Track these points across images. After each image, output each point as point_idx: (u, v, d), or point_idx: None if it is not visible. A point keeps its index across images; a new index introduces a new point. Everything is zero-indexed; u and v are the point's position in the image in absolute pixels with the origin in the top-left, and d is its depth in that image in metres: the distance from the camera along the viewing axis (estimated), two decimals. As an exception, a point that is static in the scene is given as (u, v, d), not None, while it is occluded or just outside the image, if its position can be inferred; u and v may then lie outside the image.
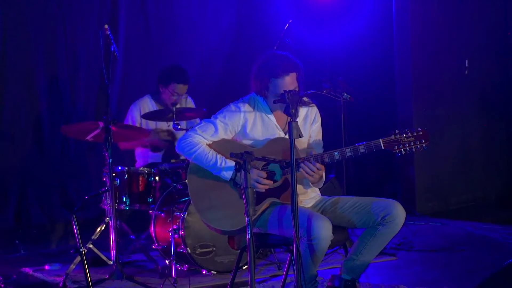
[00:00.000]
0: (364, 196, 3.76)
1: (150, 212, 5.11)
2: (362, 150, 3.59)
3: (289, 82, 3.63)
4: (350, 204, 3.73)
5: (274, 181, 3.68)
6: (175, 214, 4.79)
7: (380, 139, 3.58)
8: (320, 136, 3.91)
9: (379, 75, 7.46)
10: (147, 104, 5.63)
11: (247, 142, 3.78)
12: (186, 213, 4.73)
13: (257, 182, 3.61)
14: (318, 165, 3.59)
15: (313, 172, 3.57)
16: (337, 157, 3.61)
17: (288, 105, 3.35)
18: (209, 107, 5.21)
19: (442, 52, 7.26)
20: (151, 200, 5.14)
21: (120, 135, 4.86)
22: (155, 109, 5.57)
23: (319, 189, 3.89)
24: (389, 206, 3.62)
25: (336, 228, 3.57)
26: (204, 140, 3.74)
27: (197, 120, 5.47)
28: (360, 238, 3.72)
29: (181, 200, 4.86)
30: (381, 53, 7.44)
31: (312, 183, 3.70)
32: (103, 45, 4.58)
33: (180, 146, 3.76)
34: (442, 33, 7.25)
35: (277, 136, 3.78)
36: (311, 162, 3.57)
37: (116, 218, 4.69)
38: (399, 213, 3.61)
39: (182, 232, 4.71)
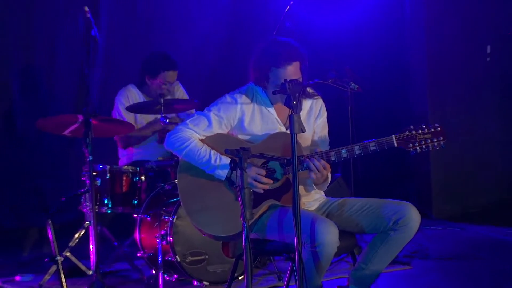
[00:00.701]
0: (374, 198, 3.78)
1: (135, 215, 5.11)
2: (372, 148, 3.60)
3: (292, 72, 3.65)
4: (359, 207, 3.75)
5: (274, 181, 3.70)
6: (163, 218, 4.80)
7: (393, 136, 3.60)
8: (326, 132, 3.94)
9: (390, 63, 7.46)
10: (134, 95, 5.63)
11: (244, 137, 3.80)
12: (175, 216, 4.73)
13: (255, 180, 3.62)
14: (323, 162, 3.59)
15: (318, 170, 3.57)
16: (344, 155, 3.63)
17: (289, 96, 3.35)
18: (202, 98, 5.20)
19: (461, 37, 7.25)
20: (136, 202, 5.15)
21: (102, 129, 4.84)
22: (142, 100, 5.58)
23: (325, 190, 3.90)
24: (402, 209, 3.63)
25: (343, 234, 3.58)
26: (196, 134, 3.75)
27: (193, 111, 5.46)
28: (369, 244, 3.73)
29: (170, 202, 4.87)
30: (393, 38, 7.43)
31: (315, 184, 3.73)
32: (83, 29, 4.58)
33: (169, 141, 3.77)
34: (460, 16, 7.24)
35: (277, 131, 3.79)
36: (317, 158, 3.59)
37: (97, 222, 4.68)
38: (413, 216, 3.62)
39: (171, 238, 4.72)
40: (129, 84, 5.67)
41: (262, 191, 3.64)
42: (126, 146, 5.67)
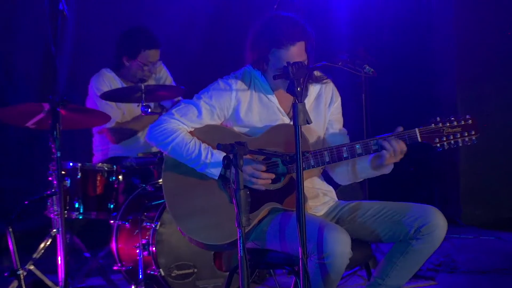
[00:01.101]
0: (392, 201, 3.81)
1: (111, 222, 5.13)
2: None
3: (296, 53, 3.66)
4: (374, 211, 3.77)
5: (276, 182, 3.71)
6: (144, 224, 4.82)
7: (416, 129, 3.62)
8: (341, 120, 3.97)
9: (412, 43, 7.48)
10: (111, 80, 5.66)
11: (240, 129, 3.82)
12: (159, 223, 4.74)
13: (253, 176, 3.63)
14: (402, 144, 3.60)
15: (395, 152, 3.60)
16: (358, 151, 3.65)
17: (292, 81, 3.34)
18: (189, 85, 5.21)
19: (493, 11, 7.25)
20: (112, 206, 5.17)
21: (72, 121, 4.84)
22: (121, 85, 5.61)
23: (336, 187, 3.96)
24: (426, 214, 3.64)
25: (356, 243, 3.58)
26: (184, 126, 3.77)
27: (179, 98, 5.48)
28: (387, 256, 3.75)
29: (153, 205, 4.90)
30: (416, 13, 7.45)
31: (379, 168, 3.73)
32: (48, 2, 4.57)
33: (152, 134, 3.79)
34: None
35: (280, 122, 3.81)
36: (328, 158, 3.63)
37: (66, 230, 4.66)
38: (438, 222, 3.63)
39: (153, 248, 4.73)
40: (103, 68, 5.69)
41: (263, 188, 3.66)
42: (120, 139, 5.68)
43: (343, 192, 4.50)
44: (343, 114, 4.04)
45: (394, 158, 3.63)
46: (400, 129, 3.66)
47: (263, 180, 3.64)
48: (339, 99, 3.97)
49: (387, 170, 3.77)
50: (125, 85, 5.60)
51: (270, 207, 3.72)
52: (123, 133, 5.64)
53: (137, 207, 4.99)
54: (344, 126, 4.00)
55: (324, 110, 3.91)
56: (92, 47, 6.46)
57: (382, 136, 3.63)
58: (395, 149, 3.60)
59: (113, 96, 5.38)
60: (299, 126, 3.30)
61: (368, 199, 5.33)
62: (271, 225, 3.69)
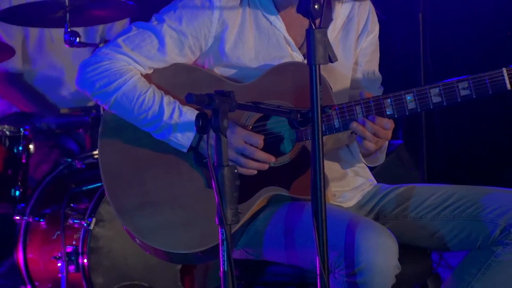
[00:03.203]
0: (464, 185, 3.87)
1: (16, 218, 5.18)
2: (464, 92, 3.68)
3: None
4: (437, 201, 3.84)
5: (280, 155, 3.77)
6: (70, 222, 4.91)
7: (504, 69, 3.66)
8: (377, 61, 4.08)
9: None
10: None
11: (225, 71, 3.88)
12: (93, 219, 4.80)
13: (243, 154, 3.70)
14: (385, 120, 3.67)
15: (372, 133, 3.66)
16: (411, 106, 3.71)
17: (306, -4, 3.37)
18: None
19: None
20: (18, 193, 5.21)
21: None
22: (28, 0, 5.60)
23: (371, 169, 4.03)
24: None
25: (407, 252, 3.64)
26: (136, 66, 3.82)
27: (126, 21, 5.51)
28: (456, 271, 3.80)
29: (83, 191, 4.98)
30: None
31: (364, 156, 3.83)
32: None
33: (85, 77, 3.84)
34: None
35: (287, 59, 3.86)
36: (362, 115, 3.67)
37: None
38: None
39: (85, 261, 4.80)
40: None
41: (255, 173, 3.73)
42: (29, 88, 5.74)
43: (385, 171, 4.68)
44: (388, 52, 4.22)
45: (370, 141, 3.70)
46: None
47: (258, 164, 3.71)
48: (377, 27, 4.06)
49: (373, 160, 3.90)
50: None
51: (269, 194, 3.77)
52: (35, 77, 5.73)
53: (58, 194, 5.04)
54: (386, 69, 4.15)
55: (355, 41, 4.00)
56: None
57: (452, 80, 3.68)
58: (372, 129, 3.66)
59: (17, 15, 5.39)
60: (317, 66, 3.30)
61: (427, 181, 5.37)
62: (272, 222, 3.75)
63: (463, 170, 5.99)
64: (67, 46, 5.28)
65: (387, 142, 3.85)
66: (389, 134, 3.72)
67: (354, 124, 3.66)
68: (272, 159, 3.73)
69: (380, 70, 4.11)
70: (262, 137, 3.74)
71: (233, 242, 3.41)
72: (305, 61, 3.49)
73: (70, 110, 5.42)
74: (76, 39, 5.24)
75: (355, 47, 3.99)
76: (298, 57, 3.88)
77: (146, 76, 3.82)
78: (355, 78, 4.01)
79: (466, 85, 3.66)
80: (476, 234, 3.72)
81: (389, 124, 3.69)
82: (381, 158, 3.89)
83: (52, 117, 5.28)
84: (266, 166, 3.73)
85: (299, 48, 3.90)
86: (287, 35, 3.88)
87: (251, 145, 3.70)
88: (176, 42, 3.81)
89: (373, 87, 3.98)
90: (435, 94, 3.68)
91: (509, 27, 7.27)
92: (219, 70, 3.87)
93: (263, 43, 3.87)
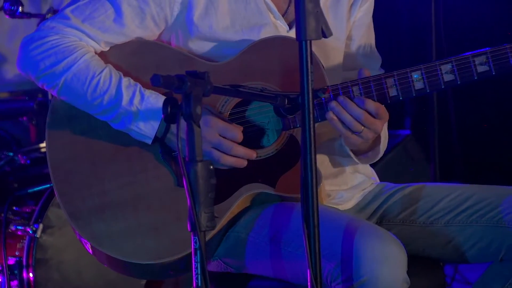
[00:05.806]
0: (482, 185, 3.82)
1: None
2: (481, 68, 3.53)
3: None
4: (451, 204, 3.73)
5: (261, 147, 3.69)
6: (12, 229, 4.89)
7: (507, 45, 3.55)
8: (373, 36, 4.02)
9: None
10: None
11: (195, 47, 3.75)
12: (40, 226, 4.71)
13: (218, 149, 3.58)
14: (371, 103, 3.48)
15: (358, 121, 3.49)
16: (418, 85, 3.56)
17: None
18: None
19: None
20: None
21: None
22: None
23: (373, 165, 3.96)
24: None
25: (416, 262, 3.53)
26: (88, 42, 3.68)
27: None
28: (476, 287, 3.69)
29: (28, 193, 4.88)
30: None
31: (354, 153, 3.74)
32: None
33: (29, 56, 3.67)
34: None
35: (269, 28, 3.74)
36: (352, 97, 3.54)
37: None
38: None
39: (30, 275, 4.74)
40: None
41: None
42: None
43: (390, 167, 4.42)
44: (384, 34, 4.13)
45: (352, 128, 3.56)
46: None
47: (235, 159, 3.57)
48: None
49: (366, 159, 3.80)
50: None
51: (252, 193, 3.65)
52: None
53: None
54: (385, 46, 4.12)
55: (347, 13, 3.87)
56: None
57: (469, 55, 3.50)
58: (358, 116, 3.50)
59: None
60: (308, 42, 3.11)
61: (440, 179, 5.21)
62: (255, 228, 3.63)
63: (483, 166, 5.74)
64: (7, 16, 5.23)
65: (383, 138, 3.74)
66: (376, 124, 3.56)
67: (333, 104, 3.52)
68: (252, 154, 3.63)
69: (384, 45, 4.04)
70: (241, 128, 3.62)
71: (208, 251, 3.45)
72: (292, 34, 3.48)
73: (10, 94, 5.38)
74: (18, 8, 5.13)
75: (347, 17, 3.87)
76: (283, 26, 3.73)
77: (102, 54, 3.67)
78: (350, 55, 3.92)
79: (484, 60, 3.52)
80: (498, 243, 3.59)
81: (375, 109, 3.48)
82: (371, 157, 3.77)
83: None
84: (244, 163, 3.61)
85: (283, 16, 3.74)
86: (269, 1, 3.74)
87: (226, 136, 3.57)
88: (136, 11, 3.65)
89: (373, 67, 3.79)
90: (447, 71, 3.54)
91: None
92: (189, 46, 3.72)
93: (239, 8, 3.71)
